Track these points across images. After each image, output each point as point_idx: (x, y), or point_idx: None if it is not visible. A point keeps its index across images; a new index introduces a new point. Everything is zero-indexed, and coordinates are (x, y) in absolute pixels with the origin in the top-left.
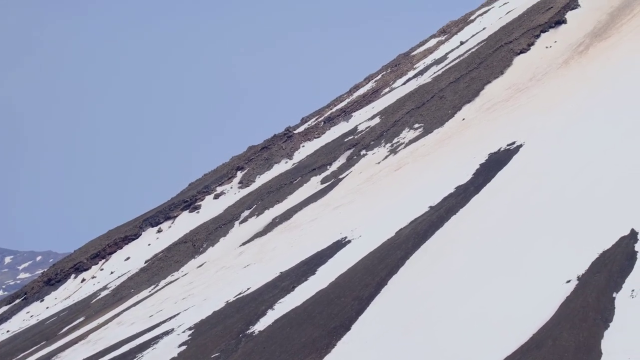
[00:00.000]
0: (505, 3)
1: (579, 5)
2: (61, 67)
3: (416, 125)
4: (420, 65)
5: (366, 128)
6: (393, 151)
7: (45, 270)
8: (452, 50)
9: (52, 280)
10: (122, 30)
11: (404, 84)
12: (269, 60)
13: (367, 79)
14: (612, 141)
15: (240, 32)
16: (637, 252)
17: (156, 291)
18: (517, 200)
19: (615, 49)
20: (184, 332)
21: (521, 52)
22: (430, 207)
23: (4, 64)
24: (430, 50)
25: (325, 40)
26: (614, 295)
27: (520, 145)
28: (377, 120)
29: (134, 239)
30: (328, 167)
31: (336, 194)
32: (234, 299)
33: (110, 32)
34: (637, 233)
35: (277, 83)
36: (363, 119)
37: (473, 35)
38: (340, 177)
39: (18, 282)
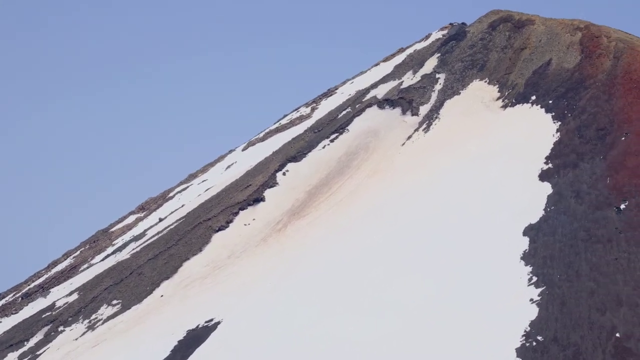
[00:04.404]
0: (204, 181)
1: (277, 183)
2: None
3: (114, 302)
4: (119, 242)
5: (64, 304)
6: (91, 327)
7: None
8: (151, 226)
9: None
10: None
11: (102, 260)
12: None
13: (66, 255)
14: (309, 319)
15: None
16: None
17: None
18: None
19: (313, 227)
20: None
21: (220, 230)
22: None
23: None
24: (129, 227)
25: (17, 219)
26: None
27: (219, 322)
28: (75, 296)
29: None
30: (25, 343)
31: None
32: None
33: None
34: None
35: None
36: (61, 295)
37: (172, 212)
38: (38, 353)
39: None
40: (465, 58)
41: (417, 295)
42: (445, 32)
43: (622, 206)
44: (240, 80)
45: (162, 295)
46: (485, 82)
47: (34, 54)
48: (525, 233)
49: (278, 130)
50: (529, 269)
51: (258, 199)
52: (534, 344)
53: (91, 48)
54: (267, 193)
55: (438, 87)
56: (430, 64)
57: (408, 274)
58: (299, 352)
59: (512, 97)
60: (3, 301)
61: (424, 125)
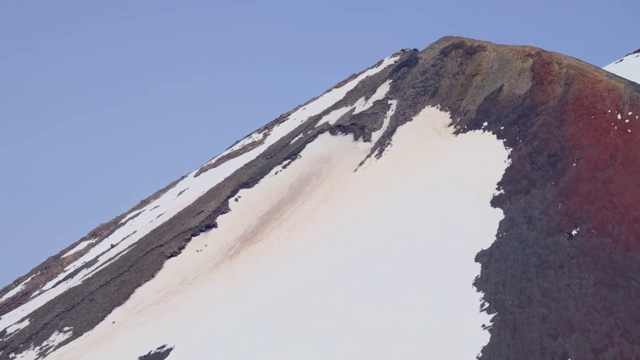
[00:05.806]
0: (156, 207)
1: (229, 209)
2: None
3: (66, 328)
4: (71, 268)
5: (15, 331)
6: (42, 354)
7: None
8: (103, 253)
9: None
10: None
11: (54, 286)
12: None
13: (17, 282)
14: (260, 346)
15: None
16: None
17: None
18: None
19: (265, 254)
20: None
21: (172, 256)
22: None
23: None
24: (80, 253)
25: None
26: None
27: (171, 349)
28: (26, 322)
29: None
30: None
31: None
32: None
33: None
34: None
35: None
36: (12, 321)
37: (124, 238)
38: None
39: None
40: (417, 84)
41: (369, 322)
42: (397, 58)
43: (574, 232)
44: (192, 106)
45: (113, 322)
46: (437, 108)
47: None
48: (477, 259)
49: (230, 156)
50: (481, 294)
51: (210, 225)
52: None
53: (39, 80)
54: (219, 219)
55: (390, 113)
56: (382, 90)
57: (359, 300)
58: None
59: (464, 123)
60: None
61: (376, 151)
